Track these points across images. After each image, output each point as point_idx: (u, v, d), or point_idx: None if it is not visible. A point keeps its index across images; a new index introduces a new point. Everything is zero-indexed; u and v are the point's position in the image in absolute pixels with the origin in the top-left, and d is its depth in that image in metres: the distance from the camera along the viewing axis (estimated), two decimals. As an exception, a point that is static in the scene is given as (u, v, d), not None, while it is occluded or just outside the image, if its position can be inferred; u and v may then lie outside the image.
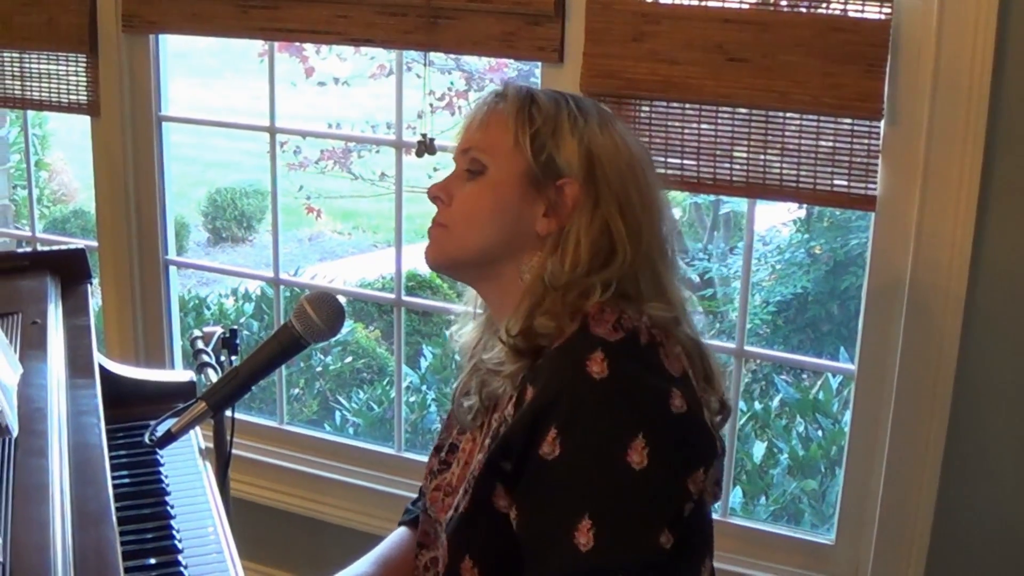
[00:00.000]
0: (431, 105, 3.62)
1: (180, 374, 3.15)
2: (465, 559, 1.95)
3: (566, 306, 1.92)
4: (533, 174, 2.00)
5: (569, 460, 1.78)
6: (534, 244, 2.02)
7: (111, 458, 2.28)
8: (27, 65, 4.02)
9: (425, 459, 3.93)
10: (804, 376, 6.01)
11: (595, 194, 1.97)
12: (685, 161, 3.15)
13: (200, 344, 2.82)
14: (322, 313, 2.31)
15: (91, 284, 3.02)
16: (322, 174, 8.27)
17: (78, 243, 3.51)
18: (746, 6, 3.03)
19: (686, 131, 3.13)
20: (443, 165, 7.23)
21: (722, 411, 2.03)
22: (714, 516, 2.04)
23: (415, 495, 3.68)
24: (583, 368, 1.80)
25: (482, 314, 2.22)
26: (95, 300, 3.30)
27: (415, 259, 7.14)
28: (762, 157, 3.09)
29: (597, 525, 1.75)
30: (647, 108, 3.16)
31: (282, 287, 4.26)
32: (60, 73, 3.98)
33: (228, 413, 2.58)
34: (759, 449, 5.59)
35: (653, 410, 1.82)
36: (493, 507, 1.91)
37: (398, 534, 2.39)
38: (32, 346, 2.53)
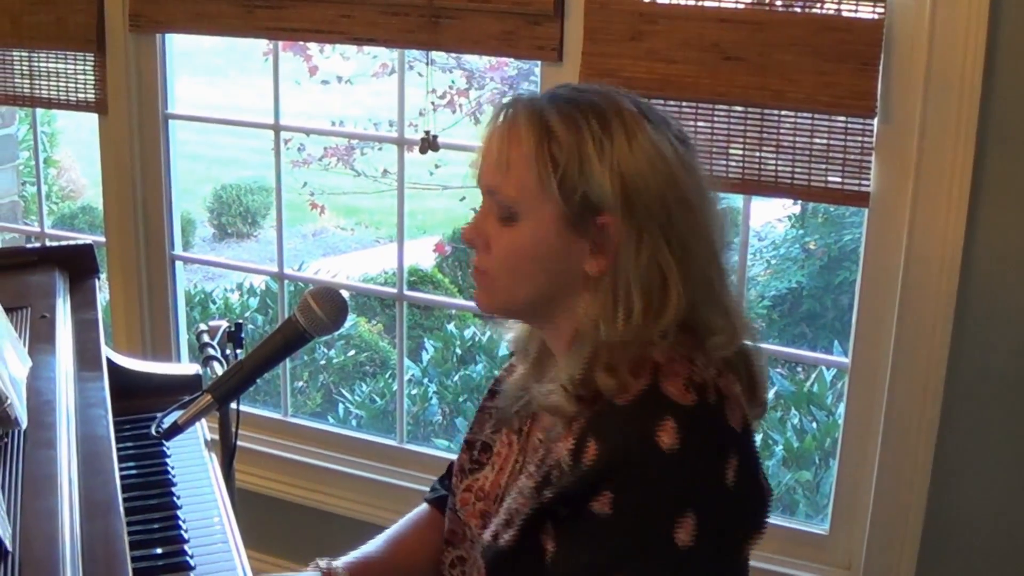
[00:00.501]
0: (432, 103, 3.60)
1: (186, 367, 3.15)
2: None
3: (626, 361, 1.80)
4: (569, 217, 1.83)
5: (617, 524, 1.74)
6: (586, 284, 1.88)
7: (118, 449, 2.29)
8: (36, 64, 4.02)
9: (425, 451, 3.97)
10: (799, 369, 6.01)
11: (637, 227, 1.81)
12: (682, 158, 3.15)
13: (206, 338, 2.82)
14: (325, 307, 2.31)
15: (99, 279, 3.01)
16: (325, 171, 8.26)
17: (86, 239, 3.51)
18: (742, 6, 3.03)
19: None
20: (445, 162, 7.29)
21: (761, 412, 1.98)
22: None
23: (417, 486, 3.71)
24: (653, 439, 1.72)
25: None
26: (103, 295, 3.31)
27: (417, 254, 7.19)
28: (757, 154, 3.09)
29: None
30: (645, 106, 3.16)
31: (286, 282, 4.26)
32: (68, 72, 3.98)
33: (233, 405, 2.58)
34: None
35: (709, 489, 1.76)
36: (539, 545, 1.85)
37: (417, 512, 2.35)
38: (41, 340, 2.53)
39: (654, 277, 1.82)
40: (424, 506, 2.36)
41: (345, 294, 2.36)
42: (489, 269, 1.94)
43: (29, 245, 4.39)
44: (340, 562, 2.17)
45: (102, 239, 4.16)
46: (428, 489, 2.40)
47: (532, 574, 1.86)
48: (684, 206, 1.84)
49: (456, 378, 6.28)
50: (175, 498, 2.53)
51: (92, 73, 3.95)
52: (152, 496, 2.53)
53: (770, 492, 1.89)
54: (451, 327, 6.58)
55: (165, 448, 2.72)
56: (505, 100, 1.93)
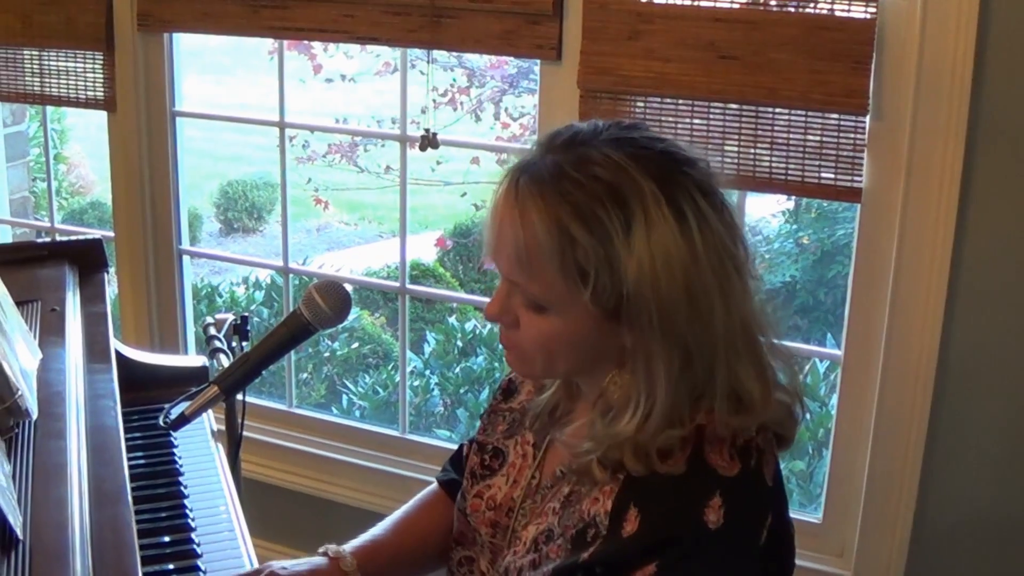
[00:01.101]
0: (434, 101, 3.61)
1: (193, 359, 3.16)
2: None
3: (649, 450, 1.70)
4: (604, 313, 1.70)
5: None
6: (623, 355, 1.77)
7: (127, 440, 2.29)
8: (46, 62, 4.02)
9: (427, 441, 3.98)
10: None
11: (637, 329, 1.69)
12: (678, 155, 3.15)
13: (212, 330, 2.82)
14: (330, 301, 2.30)
15: (107, 273, 3.01)
16: (329, 167, 8.26)
17: (95, 233, 3.53)
18: (736, 6, 3.03)
19: (679, 126, 3.12)
20: (446, 159, 7.30)
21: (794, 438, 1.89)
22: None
23: (419, 475, 3.71)
24: (701, 517, 1.66)
25: None
26: (111, 288, 3.31)
27: (419, 249, 7.19)
28: (752, 151, 3.09)
29: None
30: (642, 104, 3.16)
31: (291, 276, 4.26)
32: (78, 70, 3.98)
33: (239, 397, 2.59)
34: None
35: (747, 557, 1.73)
36: None
37: (426, 494, 2.32)
38: (51, 332, 2.53)
39: (650, 378, 1.72)
40: (435, 486, 2.32)
41: (348, 288, 2.35)
42: (521, 346, 1.84)
43: (39, 240, 4.39)
44: (347, 547, 2.16)
45: (111, 234, 4.16)
46: (433, 479, 2.39)
47: None
48: (696, 311, 1.69)
49: (457, 370, 6.28)
50: (182, 487, 2.54)
51: (101, 71, 3.95)
52: (160, 485, 2.53)
53: (793, 533, 1.87)
54: (452, 320, 6.59)
55: (172, 438, 2.72)
56: (508, 175, 1.76)
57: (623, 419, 1.74)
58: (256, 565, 2.29)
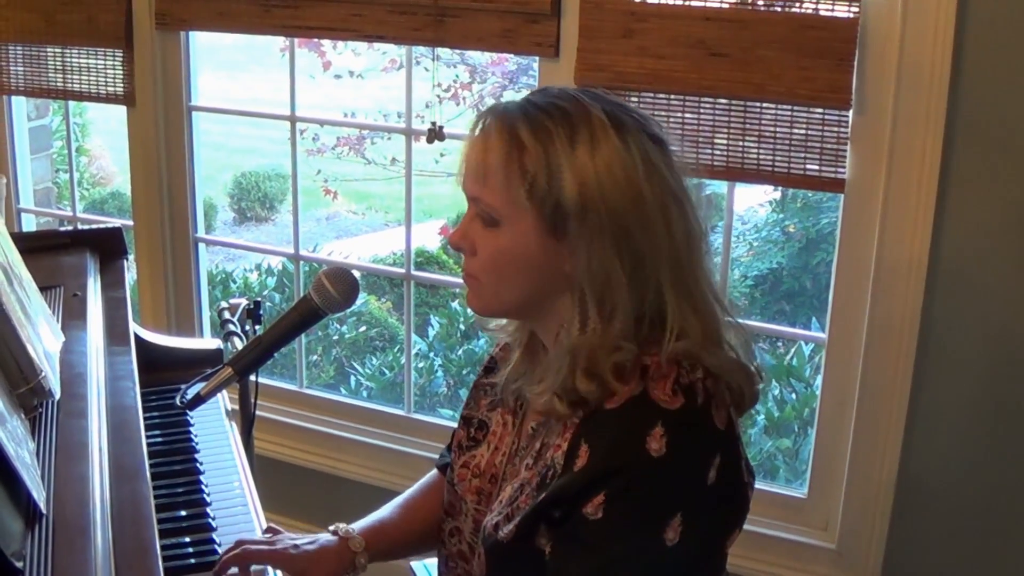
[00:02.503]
0: (438, 96, 3.62)
1: (208, 342, 3.15)
2: None
3: (607, 366, 1.76)
4: (545, 223, 1.79)
5: (610, 527, 1.73)
6: (568, 285, 1.84)
7: (145, 419, 2.29)
8: (68, 59, 4.02)
9: (431, 420, 3.98)
10: (779, 344, 6.01)
11: (588, 235, 1.76)
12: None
13: (227, 315, 2.83)
14: (338, 286, 2.31)
15: (127, 260, 3.01)
16: (338, 159, 8.26)
17: (115, 222, 3.53)
18: (726, 5, 3.03)
19: (671, 120, 3.12)
20: (450, 151, 7.27)
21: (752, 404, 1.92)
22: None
23: (423, 453, 3.72)
24: (643, 445, 1.70)
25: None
26: (130, 275, 3.30)
27: (423, 237, 7.19)
28: (741, 144, 3.08)
29: None
30: (635, 99, 3.15)
31: (302, 262, 4.26)
32: (99, 67, 3.98)
33: (252, 378, 2.59)
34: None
35: (694, 490, 1.75)
36: (534, 543, 1.84)
37: (429, 478, 2.35)
38: (73, 316, 2.53)
39: (604, 284, 1.78)
40: (435, 472, 2.35)
41: (356, 274, 2.35)
42: (476, 273, 1.91)
43: (62, 228, 4.39)
44: (355, 527, 2.17)
45: (130, 223, 4.16)
46: (437, 456, 2.39)
47: (526, 566, 1.86)
48: (641, 218, 1.78)
49: (460, 352, 6.29)
50: (198, 464, 2.54)
51: (121, 68, 3.95)
52: (176, 462, 2.54)
53: (752, 482, 1.87)
54: (455, 305, 6.58)
55: (189, 417, 2.72)
56: (483, 110, 1.89)
57: (574, 329, 1.80)
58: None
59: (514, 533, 1.85)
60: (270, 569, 2.08)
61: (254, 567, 2.07)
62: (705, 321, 1.83)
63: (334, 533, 2.14)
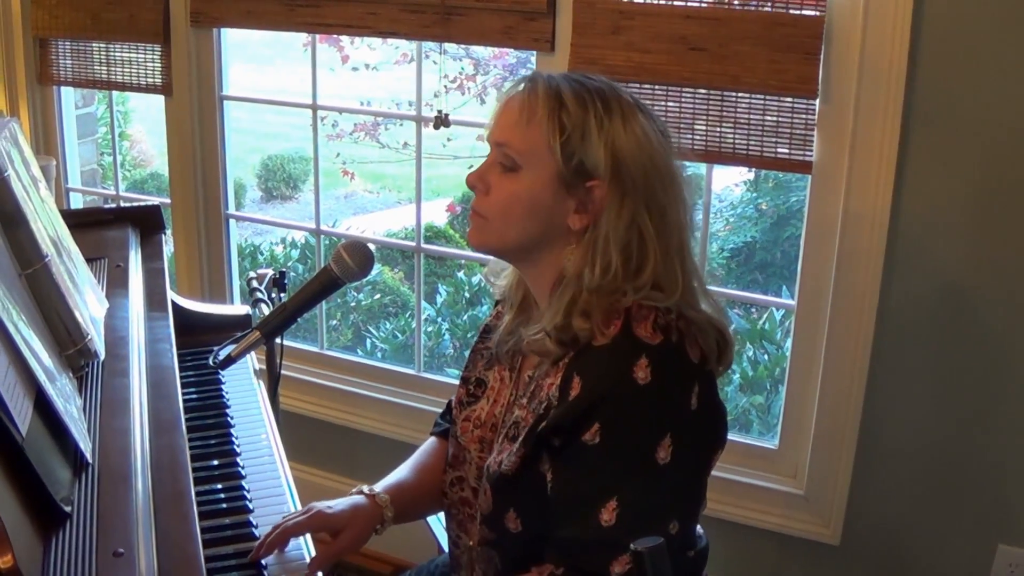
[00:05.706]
0: (445, 87, 3.59)
1: (238, 308, 3.16)
2: (509, 511, 1.94)
3: (600, 308, 1.83)
4: (564, 177, 1.86)
5: (607, 450, 1.77)
6: (568, 237, 1.90)
7: (181, 377, 2.30)
8: (112, 53, 4.02)
9: (439, 378, 3.98)
10: (753, 310, 6.00)
11: (621, 194, 1.84)
12: (654, 133, 3.14)
13: (255, 283, 2.83)
14: (355, 258, 2.31)
15: (165, 234, 3.01)
16: (355, 143, 8.23)
17: (154, 200, 3.52)
18: (705, 4, 3.02)
19: (655, 108, 3.11)
20: (456, 136, 7.27)
21: (726, 366, 1.95)
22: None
23: (432, 408, 3.72)
24: (630, 374, 1.76)
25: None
26: (168, 248, 3.30)
27: (432, 213, 7.18)
28: (718, 129, 3.08)
29: (621, 507, 1.75)
30: (623, 89, 3.15)
31: (322, 236, 4.26)
32: (139, 60, 3.98)
33: (278, 340, 2.59)
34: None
35: (680, 413, 1.79)
36: (537, 471, 1.87)
37: (430, 443, 2.35)
38: (116, 285, 2.54)
39: (633, 237, 1.85)
40: (432, 439, 2.36)
41: (372, 247, 2.35)
42: (485, 211, 1.94)
43: (106, 206, 4.38)
44: (378, 487, 2.17)
45: (168, 201, 4.15)
46: (433, 424, 2.41)
47: (530, 496, 1.89)
48: (664, 182, 1.87)
49: (465, 317, 6.29)
50: (229, 418, 2.55)
51: (159, 61, 3.94)
52: (209, 416, 2.54)
53: (725, 412, 1.92)
54: (461, 275, 6.58)
55: (220, 376, 2.73)
56: (528, 74, 1.94)
57: (592, 274, 1.85)
58: (292, 486, 2.31)
59: (517, 464, 1.88)
60: (302, 540, 2.08)
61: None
62: (687, 280, 1.89)
63: (360, 493, 2.14)
